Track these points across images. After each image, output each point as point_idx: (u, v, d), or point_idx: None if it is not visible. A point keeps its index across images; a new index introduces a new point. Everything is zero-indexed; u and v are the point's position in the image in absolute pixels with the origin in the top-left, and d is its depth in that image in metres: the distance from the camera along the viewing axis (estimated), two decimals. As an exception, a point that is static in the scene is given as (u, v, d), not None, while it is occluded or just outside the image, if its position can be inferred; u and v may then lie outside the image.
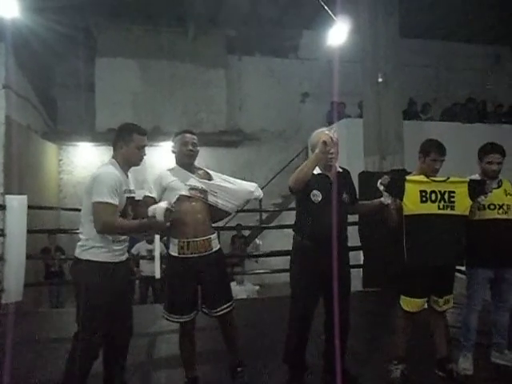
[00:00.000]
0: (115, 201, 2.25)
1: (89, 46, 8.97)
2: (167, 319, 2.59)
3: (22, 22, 5.06)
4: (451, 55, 10.18)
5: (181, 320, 2.56)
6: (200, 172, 2.67)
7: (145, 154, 2.43)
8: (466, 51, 10.31)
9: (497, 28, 9.52)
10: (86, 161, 8.94)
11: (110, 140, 8.32)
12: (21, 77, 7.03)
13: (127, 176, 2.44)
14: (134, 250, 6.76)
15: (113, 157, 2.41)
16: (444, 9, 8.69)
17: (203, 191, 2.56)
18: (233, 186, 2.68)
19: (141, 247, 6.74)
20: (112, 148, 2.45)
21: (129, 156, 2.39)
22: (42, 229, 6.32)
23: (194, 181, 2.57)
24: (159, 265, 5.00)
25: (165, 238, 6.22)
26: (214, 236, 2.62)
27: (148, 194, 2.55)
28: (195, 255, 2.52)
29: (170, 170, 2.64)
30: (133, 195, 2.43)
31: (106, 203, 2.22)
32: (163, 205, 2.30)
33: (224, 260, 2.78)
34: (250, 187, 2.73)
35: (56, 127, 8.99)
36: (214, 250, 2.60)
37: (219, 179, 2.68)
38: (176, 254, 2.54)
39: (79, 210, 6.44)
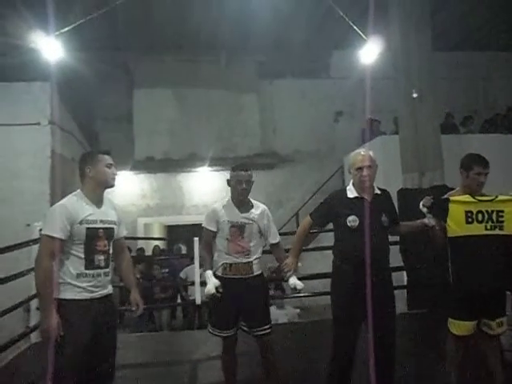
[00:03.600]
0: (54, 233, 2.17)
1: (127, 79, 9.36)
2: (209, 332, 2.78)
3: (66, 61, 5.37)
4: (488, 65, 9.88)
5: (221, 335, 2.73)
6: (250, 209, 2.80)
7: (116, 173, 2.42)
8: (503, 60, 10.00)
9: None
10: (126, 189, 9.21)
11: (148, 168, 8.57)
12: (65, 112, 7.41)
13: (99, 205, 2.36)
14: (182, 274, 6.75)
15: (81, 188, 2.37)
16: (477, 19, 8.51)
17: (242, 227, 2.74)
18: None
19: (189, 271, 6.66)
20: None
21: (100, 176, 2.35)
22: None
23: (236, 216, 2.76)
24: (199, 290, 5.02)
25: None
26: (256, 261, 2.77)
27: (208, 227, 2.80)
28: (237, 277, 2.71)
29: (223, 205, 2.81)
30: (107, 226, 2.36)
31: (45, 235, 2.18)
32: (212, 290, 2.60)
33: (265, 285, 2.92)
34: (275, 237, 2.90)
35: (97, 158, 9.36)
36: (255, 273, 2.76)
37: (262, 217, 2.82)
38: (220, 274, 2.75)
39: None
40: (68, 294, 2.20)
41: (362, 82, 8.43)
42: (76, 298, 2.20)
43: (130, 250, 7.96)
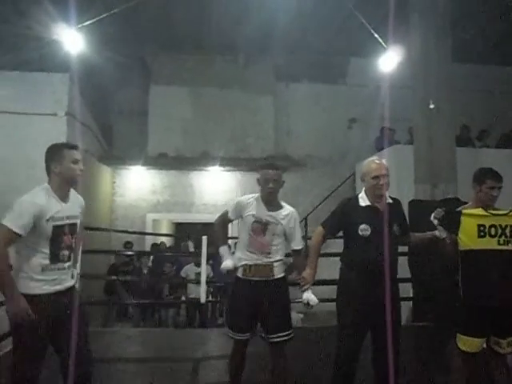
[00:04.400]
0: (16, 228, 2.12)
1: (144, 75, 9.43)
2: (228, 335, 2.73)
3: (85, 54, 5.43)
4: (507, 80, 9.77)
5: (235, 337, 2.68)
6: (278, 210, 2.76)
7: (82, 169, 2.37)
8: (523, 75, 9.88)
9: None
10: (137, 184, 9.29)
11: (160, 164, 8.56)
12: (81, 104, 7.47)
13: (66, 201, 2.34)
14: (182, 273, 6.84)
15: (48, 182, 2.34)
16: (499, 33, 8.43)
17: (265, 224, 2.69)
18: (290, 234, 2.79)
19: (189, 270, 6.76)
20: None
21: (65, 173, 2.31)
22: (95, 249, 6.57)
23: (262, 212, 2.71)
24: (205, 289, 5.02)
25: (211, 261, 6.30)
26: (277, 263, 2.72)
27: (229, 214, 2.82)
28: (257, 279, 2.66)
29: (250, 199, 2.78)
30: (72, 222, 2.35)
31: (7, 227, 2.11)
32: (230, 265, 2.68)
33: (286, 288, 2.83)
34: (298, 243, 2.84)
35: (111, 151, 9.44)
36: (276, 276, 2.71)
37: (289, 220, 2.77)
38: (240, 276, 2.72)
39: (130, 233, 6.60)
40: (31, 289, 2.18)
41: (377, 90, 8.39)
42: (39, 292, 2.19)
43: (131, 244, 7.98)
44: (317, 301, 2.67)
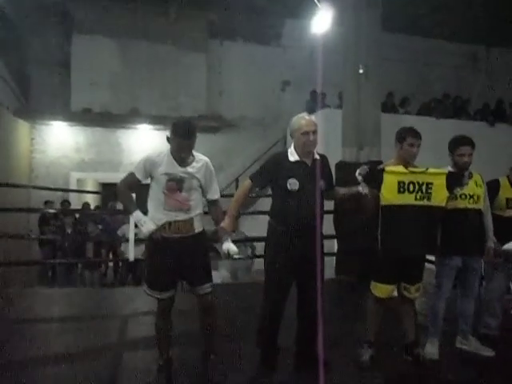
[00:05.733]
0: None
1: (66, 21, 8.67)
2: (147, 293, 2.59)
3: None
4: (430, 51, 10.31)
5: (158, 296, 2.55)
6: (191, 163, 2.57)
7: None
8: (444, 48, 10.46)
9: (474, 27, 9.70)
10: (59, 141, 8.71)
11: (85, 120, 8.05)
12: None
13: None
14: (119, 232, 6.67)
15: None
16: (426, 6, 8.79)
17: (180, 181, 2.52)
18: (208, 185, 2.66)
19: (126, 229, 6.59)
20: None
21: None
22: (11, 208, 6.15)
23: (175, 169, 2.51)
24: (133, 247, 4.94)
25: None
26: (197, 218, 2.60)
27: (136, 174, 2.57)
28: (177, 236, 2.53)
29: (160, 155, 2.56)
30: None
31: None
32: (151, 226, 2.49)
33: (206, 242, 2.75)
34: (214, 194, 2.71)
35: (29, 105, 8.70)
36: (196, 231, 2.59)
37: (204, 171, 2.61)
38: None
39: (51, 189, 6.26)
40: None
41: (311, 54, 8.49)
42: None
43: (52, 203, 7.58)
44: (237, 250, 2.63)
